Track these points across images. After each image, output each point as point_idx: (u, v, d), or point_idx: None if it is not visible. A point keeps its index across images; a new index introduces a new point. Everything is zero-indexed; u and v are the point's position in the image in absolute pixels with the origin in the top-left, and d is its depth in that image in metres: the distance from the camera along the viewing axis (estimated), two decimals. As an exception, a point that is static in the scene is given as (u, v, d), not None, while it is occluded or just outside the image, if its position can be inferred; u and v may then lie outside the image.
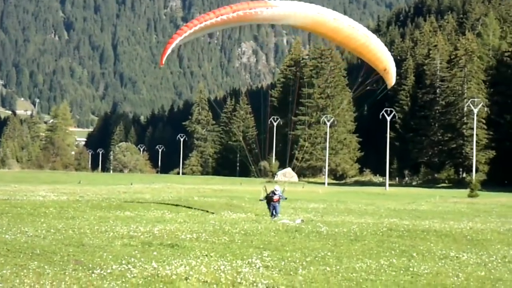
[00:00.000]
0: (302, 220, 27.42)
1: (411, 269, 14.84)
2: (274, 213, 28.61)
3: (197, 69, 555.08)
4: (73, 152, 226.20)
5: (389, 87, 32.58)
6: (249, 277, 12.54)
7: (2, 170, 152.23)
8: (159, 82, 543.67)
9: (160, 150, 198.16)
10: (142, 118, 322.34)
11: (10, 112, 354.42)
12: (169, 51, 27.44)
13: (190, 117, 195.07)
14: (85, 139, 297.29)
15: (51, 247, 16.16)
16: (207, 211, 33.41)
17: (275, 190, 28.59)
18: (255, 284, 12.12)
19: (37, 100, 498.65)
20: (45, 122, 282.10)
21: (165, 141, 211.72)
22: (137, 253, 15.76)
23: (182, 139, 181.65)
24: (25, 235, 18.64)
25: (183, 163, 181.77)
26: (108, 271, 12.53)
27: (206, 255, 16.05)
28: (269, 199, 28.78)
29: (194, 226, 23.51)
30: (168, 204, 36.19)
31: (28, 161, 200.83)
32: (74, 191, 51.89)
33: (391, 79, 30.44)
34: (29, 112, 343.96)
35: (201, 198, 44.44)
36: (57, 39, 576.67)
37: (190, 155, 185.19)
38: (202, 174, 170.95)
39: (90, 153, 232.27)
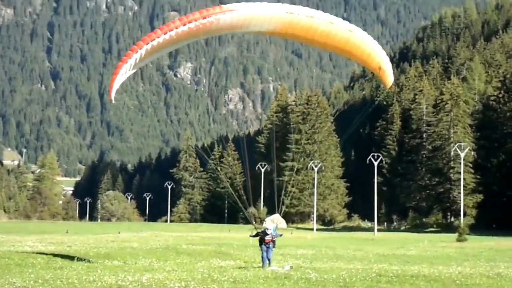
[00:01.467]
0: (291, 267, 25.32)
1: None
2: (267, 258, 24.59)
3: (184, 116, 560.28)
4: (60, 202, 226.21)
5: (387, 87, 30.25)
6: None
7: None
8: (146, 130, 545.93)
9: (147, 198, 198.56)
10: (129, 166, 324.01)
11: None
12: (115, 84, 24.10)
13: (177, 164, 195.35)
14: (72, 188, 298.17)
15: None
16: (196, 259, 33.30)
17: (267, 229, 24.75)
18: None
19: (24, 150, 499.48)
20: (32, 172, 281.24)
21: (153, 189, 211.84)
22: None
23: (169, 187, 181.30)
24: (13, 286, 18.58)
25: (171, 211, 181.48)
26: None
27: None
28: (261, 239, 24.71)
29: (183, 275, 23.29)
30: (156, 252, 36.16)
31: (15, 211, 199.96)
32: (62, 241, 51.56)
33: (388, 77, 26.99)
34: (16, 162, 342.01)
35: (190, 245, 44.27)
36: (44, 89, 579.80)
37: (178, 202, 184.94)
38: (190, 221, 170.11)
39: (77, 202, 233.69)
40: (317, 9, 27.58)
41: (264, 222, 24.87)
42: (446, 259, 38.48)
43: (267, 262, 24.39)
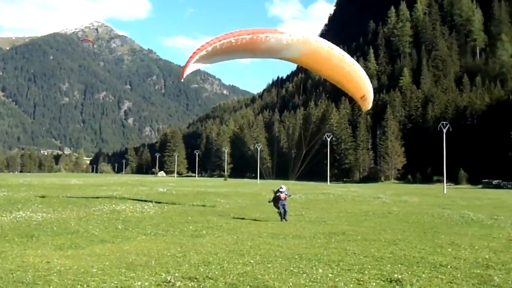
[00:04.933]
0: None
1: None
2: (284, 210, 28.61)
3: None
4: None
5: (363, 111, 34.18)
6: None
7: None
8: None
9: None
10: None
11: None
12: (188, 68, 28.04)
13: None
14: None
15: None
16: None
17: (281, 188, 28.73)
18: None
19: None
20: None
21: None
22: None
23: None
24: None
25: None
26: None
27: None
28: (276, 198, 28.68)
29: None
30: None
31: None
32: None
33: (368, 105, 31.40)
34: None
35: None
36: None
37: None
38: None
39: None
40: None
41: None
42: None
43: (286, 215, 28.68)
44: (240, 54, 29.29)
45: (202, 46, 27.41)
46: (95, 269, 14.51)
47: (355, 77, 29.34)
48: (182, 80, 30.65)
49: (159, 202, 40.43)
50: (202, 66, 29.05)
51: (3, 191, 50.41)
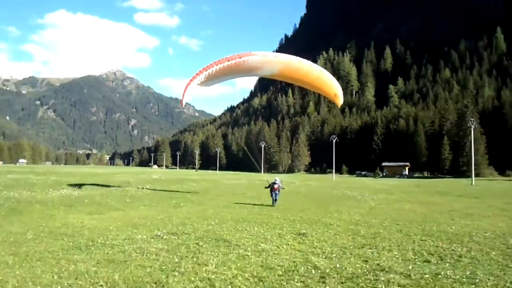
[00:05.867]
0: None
1: None
2: (275, 199, 23.68)
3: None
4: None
5: (338, 106, 28.64)
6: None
7: None
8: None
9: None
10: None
11: None
12: (187, 93, 23.08)
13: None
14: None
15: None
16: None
17: (276, 180, 24.03)
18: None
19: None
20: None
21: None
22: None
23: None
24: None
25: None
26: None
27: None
28: (271, 187, 23.86)
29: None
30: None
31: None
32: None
33: (340, 100, 26.35)
34: None
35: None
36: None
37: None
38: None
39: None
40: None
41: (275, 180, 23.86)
42: None
43: (276, 203, 23.45)
44: (227, 77, 24.40)
45: (193, 77, 23.03)
46: (112, 227, 14.51)
47: (325, 80, 24.96)
48: (183, 106, 25.11)
49: (152, 189, 39.92)
50: (196, 91, 23.83)
51: (54, 176, 48.98)
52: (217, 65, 22.30)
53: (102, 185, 35.98)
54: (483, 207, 24.55)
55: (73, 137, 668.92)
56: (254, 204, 24.12)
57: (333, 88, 25.53)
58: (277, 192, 23.68)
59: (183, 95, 23.09)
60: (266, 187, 24.97)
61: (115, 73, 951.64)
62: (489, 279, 8.73)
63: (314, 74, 24.56)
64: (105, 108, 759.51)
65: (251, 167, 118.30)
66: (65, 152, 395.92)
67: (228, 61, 22.29)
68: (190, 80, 22.89)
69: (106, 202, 22.86)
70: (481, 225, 16.36)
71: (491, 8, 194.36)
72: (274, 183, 23.82)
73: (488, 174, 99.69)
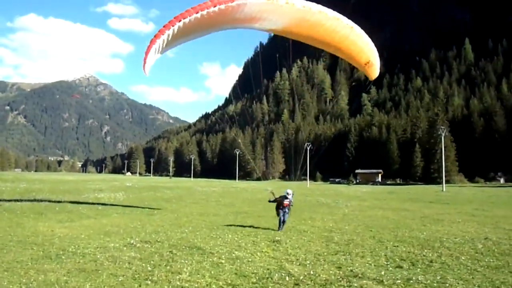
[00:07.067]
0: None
1: None
2: (282, 220, 16.42)
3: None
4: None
5: (371, 79, 20.28)
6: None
7: None
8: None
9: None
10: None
11: None
12: (149, 60, 16.17)
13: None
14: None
15: None
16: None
17: (287, 193, 16.70)
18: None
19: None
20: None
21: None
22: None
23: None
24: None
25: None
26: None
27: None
28: (279, 203, 16.56)
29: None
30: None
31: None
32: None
33: (375, 71, 19.65)
34: None
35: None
36: None
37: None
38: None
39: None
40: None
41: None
42: None
43: (283, 226, 16.45)
44: (210, 29, 16.76)
45: (160, 31, 15.56)
46: (83, 235, 14.23)
47: (356, 40, 17.72)
48: (147, 75, 16.81)
49: (126, 194, 39.34)
50: (163, 53, 16.52)
51: (23, 183, 47.77)
52: (197, 12, 15.11)
53: (74, 192, 35.26)
54: (453, 213, 25.14)
55: (44, 143, 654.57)
56: (229, 212, 24.05)
57: (366, 52, 18.71)
58: (286, 210, 16.45)
59: (146, 54, 15.99)
60: (270, 201, 17.22)
61: (88, 78, 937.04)
62: (458, 283, 8.93)
63: (340, 32, 17.52)
64: (78, 114, 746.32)
65: (228, 173, 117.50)
66: (35, 159, 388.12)
67: (215, 6, 15.12)
68: (159, 31, 15.63)
69: (78, 210, 22.44)
70: (451, 231, 16.75)
71: (459, 21, 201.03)
72: (285, 197, 16.60)
73: (458, 181, 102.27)
